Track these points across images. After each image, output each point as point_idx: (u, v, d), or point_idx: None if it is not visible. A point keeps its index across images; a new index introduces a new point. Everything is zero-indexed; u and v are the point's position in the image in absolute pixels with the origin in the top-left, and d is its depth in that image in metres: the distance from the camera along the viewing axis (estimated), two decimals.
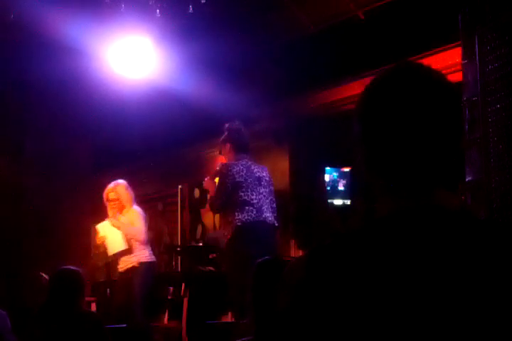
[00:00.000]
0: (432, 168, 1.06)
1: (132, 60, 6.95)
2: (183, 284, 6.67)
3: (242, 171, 5.16)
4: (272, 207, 5.27)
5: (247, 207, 5.04)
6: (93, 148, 10.35)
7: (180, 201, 9.14)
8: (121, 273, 6.13)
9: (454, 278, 0.97)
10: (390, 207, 1.07)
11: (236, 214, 5.05)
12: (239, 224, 5.02)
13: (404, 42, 5.91)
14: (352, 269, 0.99)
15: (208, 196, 5.40)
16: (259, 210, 5.08)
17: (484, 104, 3.92)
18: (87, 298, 8.47)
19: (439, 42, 5.66)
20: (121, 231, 6.12)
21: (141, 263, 6.03)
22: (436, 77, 1.11)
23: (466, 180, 3.98)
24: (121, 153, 9.47)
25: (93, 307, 8.11)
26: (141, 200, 10.03)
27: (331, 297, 0.98)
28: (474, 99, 3.98)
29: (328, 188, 6.73)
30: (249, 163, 5.30)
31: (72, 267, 3.96)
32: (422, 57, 5.79)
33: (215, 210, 5.39)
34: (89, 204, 10.39)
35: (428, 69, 1.12)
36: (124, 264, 6.08)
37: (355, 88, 6.19)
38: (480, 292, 0.96)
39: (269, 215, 5.14)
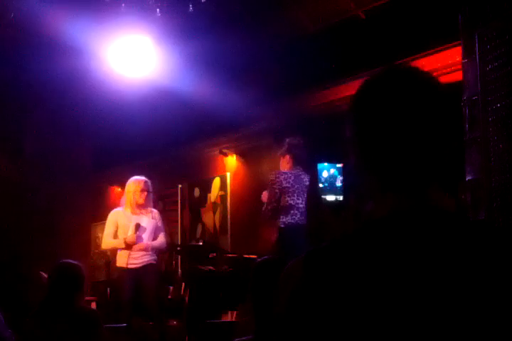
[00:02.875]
0: (426, 168, 1.07)
1: (132, 59, 6.95)
2: (183, 283, 6.68)
3: (290, 178, 5.49)
4: None
5: (292, 211, 5.37)
6: (93, 148, 10.35)
7: (180, 200, 9.15)
8: (133, 268, 5.89)
9: (447, 279, 0.98)
10: (385, 207, 1.07)
11: (281, 217, 5.38)
12: (282, 226, 5.35)
13: (405, 41, 5.91)
14: (348, 271, 0.99)
15: (263, 207, 5.55)
16: (304, 214, 5.41)
17: (484, 103, 3.92)
18: (87, 298, 8.47)
19: (439, 41, 5.66)
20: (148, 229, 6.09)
21: (156, 261, 6.10)
22: (426, 79, 1.12)
23: (466, 179, 3.98)
24: (121, 153, 9.47)
25: (93, 306, 8.11)
26: None
27: (327, 298, 0.98)
28: (474, 98, 3.98)
29: (326, 184, 6.77)
30: (300, 172, 5.64)
31: (72, 261, 3.90)
32: (422, 57, 5.79)
33: (267, 216, 5.56)
34: (89, 204, 10.41)
35: (418, 71, 1.13)
36: (142, 260, 5.96)
37: (355, 87, 6.17)
38: (473, 293, 0.96)
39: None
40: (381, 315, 0.96)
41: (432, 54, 5.79)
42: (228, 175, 8.34)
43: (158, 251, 6.26)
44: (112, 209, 10.56)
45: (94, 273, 10.55)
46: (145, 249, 5.98)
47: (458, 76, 4.45)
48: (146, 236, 6.03)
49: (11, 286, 8.03)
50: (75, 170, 10.04)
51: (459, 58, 4.54)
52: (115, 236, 6.10)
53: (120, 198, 10.44)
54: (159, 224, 6.21)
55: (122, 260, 5.95)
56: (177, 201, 9.21)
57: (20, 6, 6.29)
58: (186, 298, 6.32)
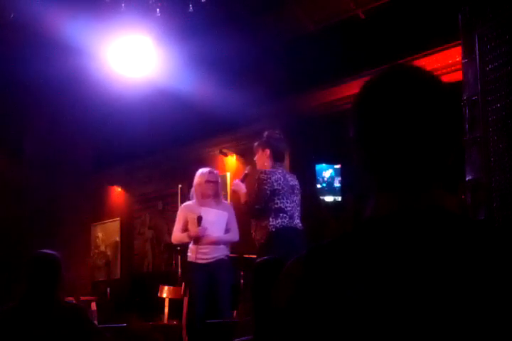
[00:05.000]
0: (429, 167, 1.07)
1: (132, 59, 6.96)
2: (183, 283, 6.68)
3: (280, 179, 5.34)
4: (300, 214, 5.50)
5: (281, 214, 5.26)
6: (93, 148, 10.36)
7: (180, 200, 9.14)
8: (203, 263, 5.71)
9: (447, 278, 0.98)
10: (387, 207, 1.07)
11: (271, 220, 5.25)
12: (273, 229, 5.23)
13: (405, 41, 5.91)
14: (349, 268, 0.99)
15: (242, 200, 5.47)
16: (292, 217, 5.32)
17: (484, 103, 3.92)
18: (87, 298, 8.48)
19: (439, 41, 5.66)
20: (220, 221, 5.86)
21: (228, 257, 5.85)
22: (429, 78, 1.12)
23: (466, 179, 3.98)
24: (122, 153, 9.47)
25: (93, 306, 8.11)
26: (141, 199, 10.06)
27: (328, 295, 0.98)
28: (474, 98, 3.98)
29: (324, 185, 6.78)
30: (284, 171, 5.50)
31: (47, 250, 3.63)
32: (422, 56, 5.79)
33: (252, 216, 5.47)
34: (89, 204, 10.42)
35: (421, 70, 1.13)
36: (212, 255, 5.73)
37: (355, 87, 6.18)
38: (473, 293, 0.96)
39: (298, 221, 5.39)
40: (382, 312, 0.96)
41: (432, 54, 5.79)
42: (228, 175, 8.34)
43: (230, 245, 5.98)
44: (111, 209, 10.63)
45: (94, 273, 10.56)
46: (215, 243, 5.76)
47: (458, 76, 4.46)
48: (215, 230, 5.78)
49: (11, 286, 8.02)
50: (75, 170, 10.04)
51: (459, 58, 4.54)
52: (186, 230, 5.88)
53: (120, 198, 10.47)
54: (231, 216, 5.93)
55: (192, 255, 5.76)
56: (177, 201, 9.21)
57: (20, 6, 6.29)
58: (186, 298, 6.32)
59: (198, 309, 5.68)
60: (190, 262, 5.78)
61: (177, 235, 5.96)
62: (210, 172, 5.95)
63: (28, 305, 3.47)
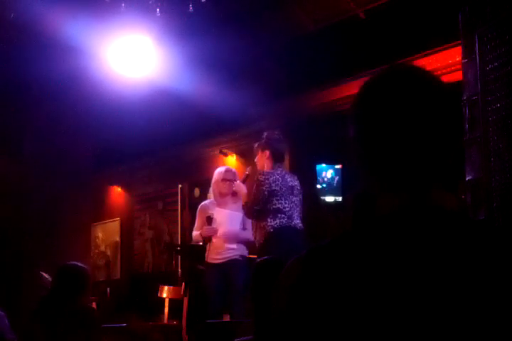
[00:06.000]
0: (429, 167, 1.07)
1: (132, 59, 6.95)
2: (183, 283, 6.68)
3: (278, 180, 5.37)
4: (301, 214, 5.51)
5: (279, 215, 5.29)
6: (93, 148, 10.35)
7: (180, 200, 9.16)
8: (216, 263, 5.73)
9: (447, 278, 0.98)
10: (387, 207, 1.07)
11: (269, 220, 5.29)
12: (271, 230, 5.27)
13: (405, 41, 5.92)
14: (349, 268, 0.99)
15: (243, 200, 5.50)
16: (290, 217, 5.35)
17: (484, 103, 3.92)
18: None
19: (439, 41, 5.67)
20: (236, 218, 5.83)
21: (243, 257, 5.81)
22: (429, 78, 1.12)
23: (466, 179, 3.98)
24: (122, 153, 9.47)
25: (93, 306, 8.12)
26: (141, 199, 10.06)
27: (327, 295, 0.98)
28: (474, 98, 3.97)
29: (325, 185, 6.80)
30: (284, 172, 5.52)
31: (78, 263, 3.93)
32: (422, 56, 5.80)
33: (251, 217, 5.52)
34: (89, 204, 10.41)
35: (420, 70, 1.13)
36: (225, 255, 5.75)
37: (355, 87, 6.18)
38: (473, 293, 0.96)
39: (298, 222, 5.41)
40: (381, 312, 0.96)
41: (431, 54, 5.80)
42: None
43: (246, 245, 5.90)
44: (112, 209, 10.63)
45: (94, 273, 10.56)
46: (233, 236, 5.76)
47: (458, 76, 4.46)
48: (229, 229, 5.79)
49: (11, 287, 8.02)
50: (75, 170, 10.03)
51: (459, 58, 4.54)
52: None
53: (120, 198, 10.47)
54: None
55: (207, 254, 5.78)
56: (177, 201, 9.22)
57: (21, 6, 6.29)
58: (186, 298, 6.33)
59: (208, 308, 5.69)
60: (206, 262, 5.82)
61: (193, 234, 6.05)
62: (226, 171, 5.95)
63: (47, 309, 3.71)
